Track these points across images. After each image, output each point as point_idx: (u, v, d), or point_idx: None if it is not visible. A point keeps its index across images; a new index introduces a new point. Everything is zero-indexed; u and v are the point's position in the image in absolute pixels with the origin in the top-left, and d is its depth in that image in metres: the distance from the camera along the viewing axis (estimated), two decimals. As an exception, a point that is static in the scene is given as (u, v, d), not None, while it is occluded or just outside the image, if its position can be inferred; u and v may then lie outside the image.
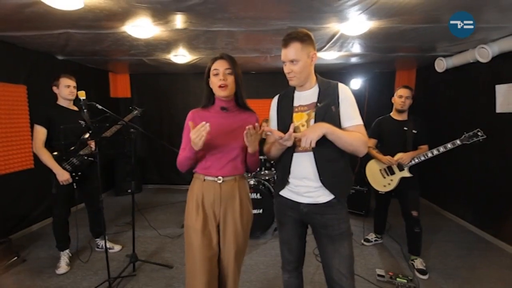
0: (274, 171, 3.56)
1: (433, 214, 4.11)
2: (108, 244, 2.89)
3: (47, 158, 2.45)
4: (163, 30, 2.74)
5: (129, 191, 4.82)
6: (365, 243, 3.13)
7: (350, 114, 1.44)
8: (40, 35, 2.86)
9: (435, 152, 2.50)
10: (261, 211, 3.18)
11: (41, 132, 2.46)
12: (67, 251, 2.72)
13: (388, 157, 2.65)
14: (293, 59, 1.40)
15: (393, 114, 2.81)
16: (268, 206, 3.17)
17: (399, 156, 2.61)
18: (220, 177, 1.52)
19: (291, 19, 2.47)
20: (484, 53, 3.08)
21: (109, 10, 2.24)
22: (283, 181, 1.54)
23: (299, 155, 1.48)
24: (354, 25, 2.57)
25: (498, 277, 2.54)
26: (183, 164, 1.52)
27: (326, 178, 1.42)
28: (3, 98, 3.14)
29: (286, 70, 1.45)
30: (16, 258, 2.75)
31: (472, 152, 3.45)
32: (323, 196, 1.45)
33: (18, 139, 3.30)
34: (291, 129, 1.35)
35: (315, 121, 1.42)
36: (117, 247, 2.98)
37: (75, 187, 2.57)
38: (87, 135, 2.61)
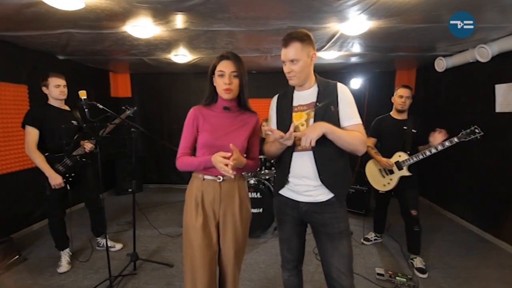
0: (274, 171, 3.57)
1: (432, 214, 4.12)
2: (109, 243, 2.91)
3: (40, 161, 2.41)
4: (163, 30, 2.76)
5: (130, 190, 4.85)
6: (364, 242, 3.14)
7: (349, 114, 1.45)
8: (41, 35, 2.88)
9: (433, 150, 2.50)
10: (261, 210, 3.19)
11: (33, 133, 2.42)
12: (67, 250, 2.73)
13: (386, 160, 2.66)
14: (293, 59, 1.41)
15: (393, 114, 2.82)
16: (268, 206, 3.18)
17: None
18: (220, 176, 1.52)
19: (291, 19, 2.48)
20: (483, 53, 3.08)
21: (110, 10, 2.25)
22: (283, 180, 1.55)
23: (298, 154, 1.49)
24: (354, 25, 2.58)
25: (497, 276, 2.55)
26: (187, 168, 1.52)
27: (326, 177, 1.44)
28: (4, 98, 3.16)
29: (286, 69, 1.46)
30: (17, 257, 2.77)
31: (472, 151, 3.46)
32: (323, 195, 1.46)
33: (20, 138, 3.30)
34: (291, 129, 1.36)
35: (315, 121, 1.44)
36: (118, 246, 2.99)
37: (68, 188, 2.56)
38: (78, 136, 2.60)
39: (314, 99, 1.48)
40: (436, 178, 4.27)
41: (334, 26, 2.67)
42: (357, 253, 2.88)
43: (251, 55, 3.78)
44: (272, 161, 3.54)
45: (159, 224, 3.66)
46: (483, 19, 2.47)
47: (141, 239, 3.23)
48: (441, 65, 3.83)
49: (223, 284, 1.64)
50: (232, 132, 1.52)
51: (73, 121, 2.60)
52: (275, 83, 4.98)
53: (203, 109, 1.55)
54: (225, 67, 1.45)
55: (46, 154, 2.47)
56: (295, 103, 1.53)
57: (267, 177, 3.48)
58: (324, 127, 1.35)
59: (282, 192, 1.58)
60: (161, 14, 2.36)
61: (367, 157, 2.87)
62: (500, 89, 3.10)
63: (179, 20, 2.52)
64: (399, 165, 2.65)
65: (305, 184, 1.48)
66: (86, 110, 2.15)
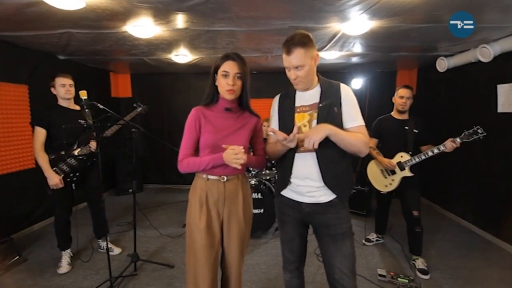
0: (275, 171, 3.56)
1: (434, 214, 4.10)
2: (109, 245, 2.89)
3: (43, 161, 2.44)
4: (164, 29, 2.75)
5: (130, 190, 4.84)
6: (366, 243, 3.13)
7: (352, 115, 1.44)
8: (42, 35, 2.87)
9: (436, 151, 2.49)
10: (262, 211, 3.18)
11: (40, 134, 2.45)
12: (68, 250, 2.72)
13: (388, 161, 2.65)
14: (298, 65, 1.39)
15: (394, 114, 2.81)
16: (269, 206, 3.17)
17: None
18: (224, 176, 1.52)
19: (292, 18, 2.47)
20: (485, 53, 3.07)
21: (111, 10, 2.24)
22: (285, 181, 1.54)
23: (301, 156, 1.48)
24: (356, 25, 2.57)
25: (499, 277, 2.54)
26: (192, 169, 1.51)
27: (328, 178, 1.43)
28: (4, 98, 3.15)
29: (291, 76, 1.44)
30: (17, 257, 2.76)
31: (474, 151, 3.45)
32: (325, 195, 1.45)
33: (20, 138, 3.30)
34: (294, 131, 1.35)
35: (318, 122, 1.43)
36: (117, 250, 2.95)
37: (73, 187, 2.56)
38: (87, 135, 2.60)
39: (317, 100, 1.47)
40: (436, 178, 4.25)
41: (335, 26, 2.66)
42: (358, 254, 2.84)
43: (251, 55, 3.77)
44: (273, 161, 3.53)
45: (159, 224, 3.65)
46: (485, 19, 2.46)
47: (142, 239, 3.22)
48: (442, 65, 3.82)
49: (226, 284, 1.65)
50: (234, 132, 1.53)
51: (80, 121, 2.59)
52: (276, 83, 4.97)
53: (204, 110, 1.54)
54: (230, 67, 1.45)
55: (53, 157, 2.48)
56: (297, 104, 1.52)
57: (268, 177, 3.47)
58: (328, 130, 1.33)
59: (284, 193, 1.57)
60: (162, 13, 2.35)
61: (368, 157, 2.84)
62: (502, 89, 3.09)
63: (180, 20, 2.51)
64: (401, 166, 2.64)
65: (307, 185, 1.47)
66: (86, 110, 2.15)
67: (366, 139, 1.43)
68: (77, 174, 2.59)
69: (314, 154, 1.44)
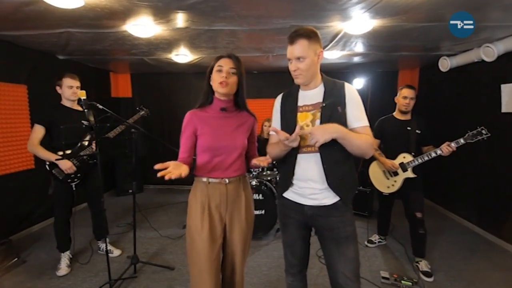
0: (276, 172, 3.53)
1: (436, 215, 4.06)
2: (109, 247, 2.87)
3: (44, 153, 2.41)
4: (164, 29, 2.72)
5: (130, 191, 4.82)
6: (368, 244, 3.09)
7: (357, 115, 1.41)
8: (41, 34, 2.84)
9: (439, 152, 2.46)
10: (263, 212, 3.15)
11: (38, 131, 2.43)
12: (67, 252, 2.69)
13: (391, 162, 2.61)
14: (300, 56, 1.36)
15: (396, 114, 2.77)
16: (270, 207, 3.14)
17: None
18: (225, 179, 1.51)
19: (294, 17, 2.44)
20: (489, 52, 3.04)
21: (110, 9, 2.21)
22: (287, 182, 1.51)
23: (304, 157, 1.45)
24: (358, 24, 2.54)
25: (504, 279, 2.50)
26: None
27: (333, 180, 1.39)
28: (3, 98, 3.12)
29: (291, 67, 1.42)
30: (16, 259, 2.73)
31: (477, 152, 3.41)
32: (328, 198, 1.42)
33: (19, 139, 3.28)
34: (297, 130, 1.31)
35: (321, 122, 1.39)
36: (116, 252, 2.92)
37: (74, 188, 2.54)
38: (88, 137, 2.57)
39: (320, 99, 1.43)
40: (439, 179, 4.22)
41: (337, 25, 2.63)
42: (361, 256, 2.78)
43: (252, 54, 3.74)
44: (274, 162, 3.49)
45: (159, 225, 3.62)
46: (488, 17, 2.43)
47: (142, 241, 3.19)
48: (445, 64, 3.78)
49: (230, 284, 1.62)
50: (231, 132, 1.51)
51: (83, 121, 2.56)
52: (277, 83, 4.95)
53: (198, 112, 1.52)
54: (224, 63, 1.45)
55: (57, 157, 2.44)
56: (300, 103, 1.49)
57: (269, 178, 3.44)
58: (336, 133, 1.29)
59: (286, 195, 1.54)
60: (162, 12, 2.32)
61: (370, 158, 2.81)
62: (506, 89, 3.05)
63: (180, 19, 2.48)
64: (403, 167, 2.60)
65: (310, 187, 1.43)
66: (86, 110, 2.13)
67: (372, 140, 1.40)
68: (78, 175, 2.56)
69: (317, 154, 1.40)
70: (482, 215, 3.48)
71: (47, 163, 2.47)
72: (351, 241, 1.42)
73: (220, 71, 1.44)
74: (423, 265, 2.57)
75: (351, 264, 1.41)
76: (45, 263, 2.73)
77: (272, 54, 3.74)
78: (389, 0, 2.06)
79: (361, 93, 4.95)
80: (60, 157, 2.41)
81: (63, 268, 2.58)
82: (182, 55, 3.77)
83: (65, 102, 2.59)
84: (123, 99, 5.45)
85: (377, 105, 4.60)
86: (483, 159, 3.42)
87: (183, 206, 4.14)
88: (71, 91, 2.53)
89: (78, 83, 2.57)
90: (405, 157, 2.61)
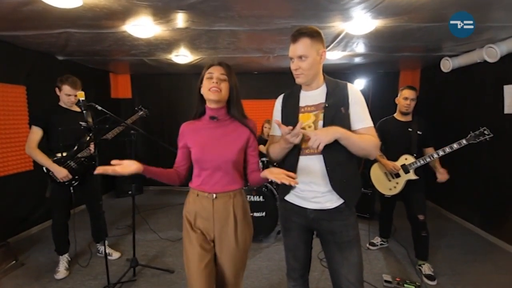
0: (277, 173, 3.50)
1: (438, 217, 4.03)
2: (107, 250, 2.83)
3: (42, 157, 2.38)
4: (164, 29, 2.69)
5: (130, 192, 4.78)
6: (370, 247, 3.06)
7: (361, 116, 1.38)
8: (40, 34, 2.82)
9: (441, 153, 2.44)
10: (263, 214, 3.12)
11: (35, 133, 2.40)
12: (66, 255, 2.66)
13: (392, 164, 2.58)
14: (302, 55, 1.34)
15: (397, 115, 2.75)
16: (271, 209, 3.11)
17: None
18: (213, 194, 1.42)
19: (295, 17, 2.42)
20: (492, 53, 3.01)
21: (109, 9, 2.19)
22: (289, 185, 1.47)
23: (306, 158, 1.41)
24: (360, 24, 2.51)
25: (508, 282, 2.48)
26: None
27: (336, 182, 1.36)
28: (2, 99, 3.09)
29: (293, 66, 1.39)
30: (14, 262, 2.69)
31: (479, 153, 3.38)
32: (331, 201, 1.39)
33: (17, 140, 3.25)
34: (299, 125, 1.27)
35: (324, 123, 1.36)
36: (115, 255, 2.89)
37: (72, 191, 2.51)
38: (87, 138, 2.55)
39: (323, 100, 1.40)
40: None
41: (339, 26, 2.61)
42: (363, 259, 2.80)
43: (253, 55, 3.72)
44: (275, 164, 3.46)
45: (159, 228, 3.59)
46: (492, 18, 2.42)
47: (141, 243, 3.16)
48: (447, 65, 3.76)
49: None
50: (221, 144, 1.41)
51: (81, 123, 2.52)
52: (277, 84, 4.92)
53: (190, 125, 1.49)
54: (214, 70, 1.40)
55: (54, 159, 2.42)
56: (302, 104, 1.46)
57: (270, 179, 3.40)
58: (338, 133, 1.27)
59: (288, 198, 1.51)
60: (162, 12, 2.30)
61: (371, 160, 2.79)
62: (509, 90, 3.03)
63: (180, 19, 2.46)
64: (405, 169, 2.58)
65: (312, 190, 1.40)
66: (84, 111, 2.10)
67: (377, 141, 1.37)
68: (76, 177, 2.52)
69: (320, 156, 1.37)
70: (484, 216, 3.45)
71: None
72: (354, 245, 1.39)
73: (210, 78, 1.38)
74: (426, 268, 2.54)
75: (354, 269, 1.38)
76: (44, 266, 2.70)
77: (273, 54, 3.71)
78: (392, 0, 2.03)
79: (362, 94, 4.91)
80: (56, 164, 2.38)
81: (62, 271, 2.55)
82: (182, 56, 3.75)
83: (63, 104, 2.56)
84: (123, 100, 5.43)
85: (378, 106, 4.55)
86: (485, 160, 3.39)
87: (183, 207, 4.11)
88: (67, 99, 2.49)
89: (77, 91, 2.47)
90: (406, 159, 2.59)
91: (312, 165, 1.40)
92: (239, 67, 4.43)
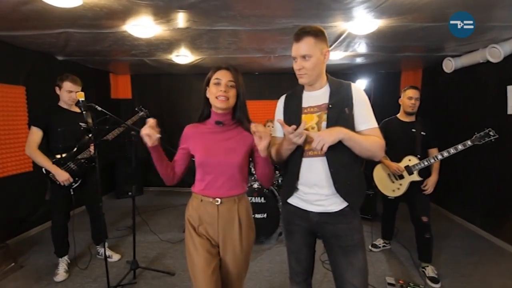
0: (279, 174, 3.47)
1: (441, 218, 4.00)
2: (107, 252, 2.81)
3: (42, 159, 2.36)
4: (165, 29, 2.67)
5: (130, 193, 4.77)
6: (372, 249, 3.03)
7: (365, 117, 1.36)
8: (39, 34, 2.79)
9: (446, 154, 2.41)
10: (265, 215, 3.09)
11: (36, 134, 2.37)
12: (65, 257, 2.63)
13: (396, 165, 2.56)
14: (305, 54, 1.31)
15: (400, 116, 2.72)
16: (272, 210, 3.08)
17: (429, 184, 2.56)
18: (217, 199, 1.39)
19: (297, 16, 2.39)
20: (495, 53, 2.99)
21: (109, 8, 2.16)
22: (291, 187, 1.44)
23: (309, 160, 1.38)
24: (363, 24, 2.49)
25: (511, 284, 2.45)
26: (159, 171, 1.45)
27: (340, 185, 1.33)
28: (1, 99, 3.07)
29: (296, 66, 1.36)
30: (13, 264, 2.66)
31: (482, 154, 3.35)
32: (335, 204, 1.36)
33: (17, 141, 3.22)
34: (302, 125, 1.24)
35: (327, 123, 1.33)
36: (115, 257, 2.86)
37: (72, 193, 2.48)
38: (87, 139, 2.52)
39: (326, 101, 1.37)
40: (443, 181, 4.14)
41: (341, 25, 2.59)
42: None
43: (254, 55, 3.69)
44: (276, 165, 3.43)
45: (159, 229, 3.56)
46: (495, 17, 2.39)
47: (141, 245, 3.13)
48: (449, 65, 3.73)
49: None
50: (226, 148, 1.39)
51: (81, 123, 2.50)
52: (278, 84, 4.91)
53: (196, 127, 1.47)
54: (222, 75, 1.36)
55: (53, 161, 2.39)
56: (304, 104, 1.43)
57: (271, 181, 3.38)
58: (342, 133, 1.24)
59: (291, 200, 1.48)
60: (162, 12, 2.27)
61: (374, 161, 2.77)
62: (513, 91, 3.01)
63: (181, 19, 2.44)
64: (409, 170, 2.55)
65: (315, 192, 1.37)
66: (84, 112, 2.07)
67: (382, 142, 1.34)
68: (76, 179, 2.50)
69: (324, 158, 1.34)
70: (487, 218, 3.42)
71: None
72: (359, 249, 1.37)
73: (218, 84, 1.35)
74: (430, 270, 2.51)
75: (359, 273, 1.35)
76: (43, 268, 2.67)
77: (274, 55, 3.69)
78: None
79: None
80: (58, 167, 2.36)
81: (61, 273, 2.52)
82: (183, 56, 3.73)
83: (63, 104, 2.53)
84: (123, 100, 5.40)
85: (380, 106, 4.52)
86: (488, 161, 3.36)
87: (184, 209, 4.07)
88: (69, 96, 2.46)
89: (78, 88, 2.50)
90: (410, 160, 2.56)
91: (315, 167, 1.37)
92: (240, 67, 4.31)
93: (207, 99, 1.42)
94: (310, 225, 1.43)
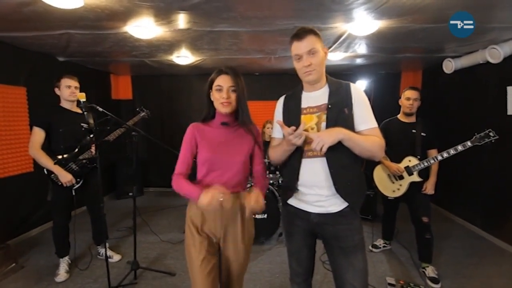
0: (279, 175, 3.48)
1: (441, 219, 4.01)
2: (108, 252, 2.81)
3: (46, 160, 2.36)
4: (165, 30, 2.68)
5: (131, 194, 4.77)
6: (373, 249, 3.04)
7: (365, 117, 1.36)
8: (41, 35, 2.80)
9: (445, 155, 2.41)
10: (265, 216, 3.09)
11: (38, 135, 2.38)
12: (66, 258, 2.64)
13: (396, 166, 2.56)
14: (312, 48, 1.31)
15: (401, 117, 2.73)
16: (272, 211, 3.09)
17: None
18: (221, 195, 1.41)
19: (298, 18, 2.40)
20: (495, 54, 3.00)
21: (111, 10, 2.17)
22: (291, 188, 1.45)
23: (308, 161, 1.39)
24: (363, 25, 2.50)
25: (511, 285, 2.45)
26: (179, 191, 1.41)
27: (340, 186, 1.33)
28: (2, 100, 3.08)
29: (304, 63, 1.33)
30: (14, 264, 2.67)
31: (482, 154, 3.36)
32: (335, 205, 1.36)
33: (18, 141, 3.23)
34: (301, 126, 1.26)
35: (327, 124, 1.34)
36: (116, 257, 2.87)
37: (74, 193, 2.49)
38: (88, 139, 2.53)
39: (326, 101, 1.37)
40: (444, 182, 4.15)
41: (342, 26, 2.59)
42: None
43: (255, 56, 3.70)
44: (277, 166, 3.44)
45: (160, 230, 3.57)
46: (495, 18, 2.40)
47: (142, 246, 3.13)
48: (449, 66, 3.74)
49: None
50: (231, 147, 1.46)
51: (82, 124, 2.51)
52: (279, 85, 4.91)
53: (201, 126, 1.50)
54: (223, 81, 1.41)
55: (55, 161, 2.40)
56: (304, 105, 1.43)
57: (271, 181, 3.38)
58: (342, 134, 1.25)
59: (291, 201, 1.48)
60: (164, 13, 2.28)
61: (374, 161, 2.78)
62: (513, 91, 3.01)
63: (182, 20, 2.45)
64: (409, 171, 2.55)
65: (315, 193, 1.38)
66: (85, 112, 2.08)
67: (382, 142, 1.34)
68: (78, 179, 2.50)
69: (324, 159, 1.34)
70: (487, 218, 3.42)
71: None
72: (359, 250, 1.37)
73: (220, 90, 1.41)
74: (430, 271, 2.51)
75: (360, 274, 1.35)
76: (44, 269, 2.68)
77: (275, 56, 3.70)
78: (396, 1, 2.02)
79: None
80: (61, 168, 2.37)
81: (62, 274, 2.52)
82: (183, 57, 3.74)
83: (64, 104, 2.54)
84: (124, 101, 5.41)
85: (380, 107, 4.53)
86: (488, 161, 3.37)
87: (184, 209, 4.07)
88: (69, 91, 2.48)
89: (76, 83, 2.53)
90: (410, 161, 2.56)
91: (315, 168, 1.37)
92: (241, 68, 4.40)
93: (211, 102, 1.47)
94: (310, 226, 1.44)
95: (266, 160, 3.40)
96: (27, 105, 3.35)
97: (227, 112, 1.43)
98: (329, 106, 1.36)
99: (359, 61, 4.08)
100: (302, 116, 1.41)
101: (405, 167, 2.56)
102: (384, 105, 4.28)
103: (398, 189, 2.63)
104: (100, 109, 2.20)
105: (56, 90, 2.51)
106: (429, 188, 2.54)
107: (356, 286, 1.34)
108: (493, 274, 2.62)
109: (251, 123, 1.50)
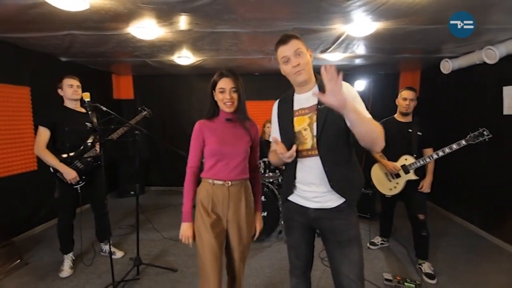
0: (279, 174, 3.54)
1: (439, 217, 4.06)
2: (111, 249, 2.86)
3: (51, 159, 2.41)
4: (167, 31, 2.73)
5: (132, 192, 4.82)
6: (371, 246, 3.09)
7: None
8: (44, 36, 2.85)
9: (440, 153, 2.46)
10: (265, 214, 3.15)
11: (44, 134, 2.43)
12: (70, 254, 2.69)
13: (393, 164, 2.62)
14: (297, 49, 1.36)
15: (397, 116, 2.77)
16: (273, 209, 3.14)
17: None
18: (228, 181, 1.62)
19: (298, 19, 2.45)
20: (491, 55, 3.05)
21: (114, 11, 2.22)
22: (290, 186, 1.52)
23: (303, 160, 1.45)
24: (361, 26, 2.55)
25: (507, 282, 2.50)
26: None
27: (335, 183, 1.38)
28: (6, 100, 3.13)
29: (293, 64, 1.38)
30: (19, 261, 2.73)
31: (479, 153, 3.42)
32: (332, 201, 1.42)
33: (22, 140, 3.28)
34: (293, 149, 1.35)
35: (317, 124, 1.39)
36: (119, 254, 2.92)
37: (79, 191, 2.54)
38: (91, 139, 2.58)
39: (316, 101, 1.41)
40: (441, 181, 4.20)
41: (340, 28, 2.64)
42: (363, 258, 2.82)
43: (255, 56, 3.75)
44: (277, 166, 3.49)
45: (162, 227, 3.62)
46: (491, 20, 2.44)
47: (144, 242, 3.19)
48: (447, 67, 3.79)
49: (231, 285, 1.76)
50: (235, 139, 1.65)
51: (86, 123, 2.56)
52: (278, 85, 4.92)
53: (206, 123, 1.68)
54: (225, 84, 1.58)
55: (61, 160, 2.45)
56: (295, 107, 1.48)
57: (271, 180, 3.44)
58: (349, 104, 1.16)
59: (291, 198, 1.54)
60: (166, 15, 2.33)
61: (372, 160, 2.83)
62: (508, 91, 3.06)
63: (184, 22, 2.50)
64: (405, 169, 2.60)
65: (312, 190, 1.44)
66: (89, 112, 2.13)
67: (381, 128, 1.29)
68: (83, 177, 2.56)
69: (317, 158, 1.40)
70: (484, 216, 3.48)
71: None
72: (355, 243, 1.42)
73: (223, 92, 1.58)
74: (426, 267, 2.57)
75: (355, 266, 1.40)
76: (48, 265, 2.73)
77: (274, 56, 3.70)
78: (394, 2, 2.07)
79: (363, 95, 4.96)
80: (66, 166, 2.42)
81: (66, 270, 2.58)
82: (185, 57, 3.78)
83: (68, 104, 2.59)
84: (125, 101, 5.46)
85: (379, 107, 4.60)
86: (484, 160, 3.42)
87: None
88: (72, 90, 2.54)
89: (78, 83, 2.59)
90: (406, 159, 2.62)
91: (310, 167, 1.43)
92: (241, 68, 4.46)
93: (215, 101, 1.64)
94: (308, 221, 1.49)
95: (266, 160, 3.50)
96: (31, 105, 3.40)
97: (230, 110, 1.61)
98: (319, 106, 1.39)
99: (358, 61, 4.13)
100: (295, 119, 1.47)
101: (401, 166, 2.61)
102: (383, 105, 4.34)
103: (395, 187, 2.68)
104: (104, 108, 2.25)
105: (59, 91, 2.57)
106: (426, 186, 2.59)
107: (352, 277, 1.39)
108: (490, 271, 2.67)
109: (248, 118, 1.71)
